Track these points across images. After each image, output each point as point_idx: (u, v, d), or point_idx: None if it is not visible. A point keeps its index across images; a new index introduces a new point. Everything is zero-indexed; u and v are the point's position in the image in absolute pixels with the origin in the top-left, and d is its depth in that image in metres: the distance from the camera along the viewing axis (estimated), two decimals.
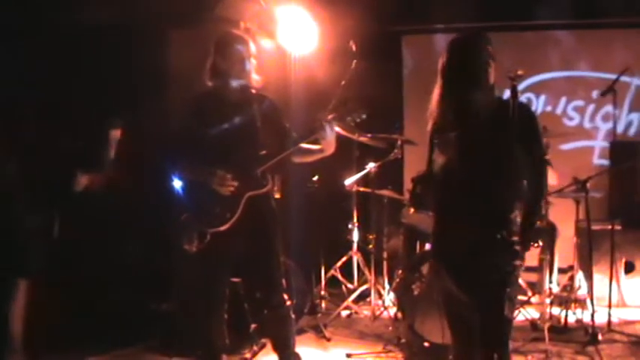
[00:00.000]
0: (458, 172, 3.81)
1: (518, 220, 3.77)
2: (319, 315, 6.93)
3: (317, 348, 6.20)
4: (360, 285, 7.35)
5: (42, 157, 5.82)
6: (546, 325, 6.01)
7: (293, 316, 5.02)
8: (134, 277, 6.44)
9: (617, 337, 6.28)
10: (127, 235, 6.47)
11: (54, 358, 5.63)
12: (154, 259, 6.53)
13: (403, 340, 5.96)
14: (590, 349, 5.92)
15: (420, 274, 5.85)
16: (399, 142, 6.95)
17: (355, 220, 7.27)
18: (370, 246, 7.18)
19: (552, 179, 5.70)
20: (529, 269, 6.63)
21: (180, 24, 7.11)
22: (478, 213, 3.75)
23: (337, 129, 4.77)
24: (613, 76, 6.81)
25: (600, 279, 6.86)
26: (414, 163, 7.70)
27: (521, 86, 7.77)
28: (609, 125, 8.27)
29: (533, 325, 6.37)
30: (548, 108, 8.56)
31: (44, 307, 5.33)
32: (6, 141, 5.19)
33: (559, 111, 8.60)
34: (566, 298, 6.67)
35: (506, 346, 3.78)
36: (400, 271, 6.67)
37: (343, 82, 5.00)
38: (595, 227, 6.69)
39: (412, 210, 6.33)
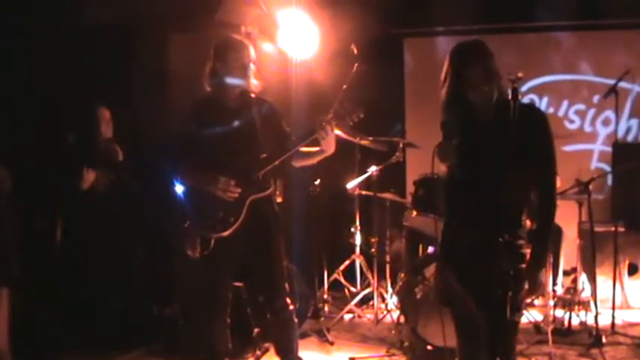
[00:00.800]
0: (464, 176, 3.80)
1: (527, 223, 3.78)
2: (322, 319, 6.92)
3: (320, 352, 6.19)
4: (363, 288, 7.34)
5: (43, 156, 5.83)
6: (550, 328, 5.99)
7: (296, 320, 5.01)
8: (137, 281, 6.44)
9: (621, 339, 6.26)
10: (130, 239, 6.47)
11: None
12: (157, 264, 6.53)
13: (406, 344, 5.96)
14: (594, 351, 5.91)
15: (422, 277, 5.84)
16: (401, 145, 6.95)
17: (357, 223, 7.26)
18: (372, 249, 7.17)
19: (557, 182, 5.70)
20: None
21: (182, 28, 7.12)
22: (484, 216, 3.75)
23: (337, 132, 4.75)
24: (614, 81, 6.79)
25: (603, 281, 6.85)
26: (416, 166, 7.71)
27: (523, 88, 7.82)
28: (609, 130, 8.38)
29: (537, 327, 6.35)
30: (551, 110, 8.55)
31: (31, 314, 5.32)
32: None
33: (561, 113, 8.62)
34: (570, 301, 6.66)
35: (512, 349, 3.77)
36: (402, 274, 6.66)
37: (345, 86, 4.98)
38: (598, 229, 6.66)
39: (414, 213, 6.33)
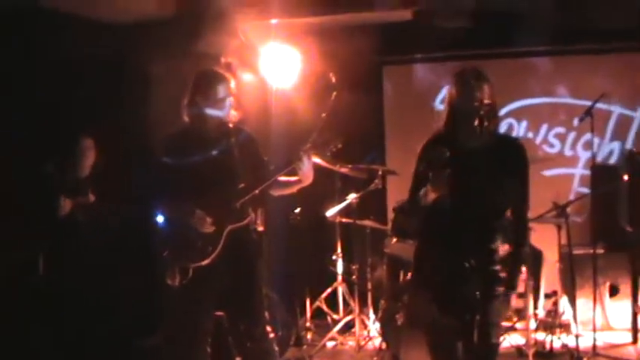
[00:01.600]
0: (450, 205, 3.84)
1: (501, 248, 3.82)
2: (305, 346, 6.93)
3: None
4: (345, 316, 7.33)
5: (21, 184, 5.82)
6: (532, 351, 6.02)
7: (277, 348, 5.02)
8: (120, 311, 6.42)
9: None
10: (113, 268, 6.46)
11: None
12: (140, 293, 6.52)
13: None
14: None
15: (403, 303, 5.85)
16: (380, 173, 6.99)
17: (339, 250, 7.28)
18: (354, 276, 7.17)
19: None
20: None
21: (161, 59, 7.15)
22: (460, 242, 3.79)
23: (317, 160, 4.79)
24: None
25: (584, 303, 6.88)
26: (396, 193, 7.73)
27: (502, 111, 7.83)
28: (589, 153, 8.29)
29: (519, 351, 6.37)
30: (530, 135, 8.57)
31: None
32: None
33: (540, 138, 8.61)
34: (551, 324, 6.68)
35: None
36: (383, 301, 6.67)
37: (324, 115, 5.03)
38: (578, 252, 6.72)
39: (394, 239, 6.35)
